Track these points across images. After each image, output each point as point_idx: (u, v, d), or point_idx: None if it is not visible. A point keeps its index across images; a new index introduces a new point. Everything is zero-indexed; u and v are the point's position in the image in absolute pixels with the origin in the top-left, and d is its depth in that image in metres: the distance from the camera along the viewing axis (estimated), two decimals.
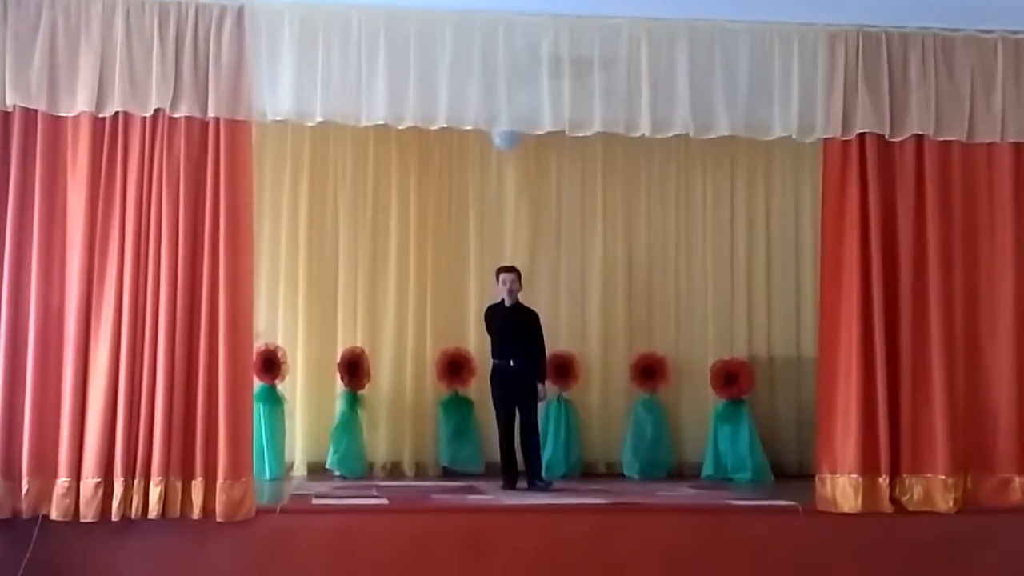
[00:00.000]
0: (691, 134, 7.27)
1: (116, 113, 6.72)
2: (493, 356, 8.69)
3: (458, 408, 9.65)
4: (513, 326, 8.61)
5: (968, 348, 7.31)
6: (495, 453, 8.86)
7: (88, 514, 6.45)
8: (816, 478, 7.22)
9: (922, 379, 7.15)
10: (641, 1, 7.06)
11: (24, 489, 6.46)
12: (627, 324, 10.12)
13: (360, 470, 9.28)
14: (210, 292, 6.68)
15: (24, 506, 6.46)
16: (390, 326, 9.80)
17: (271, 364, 9.14)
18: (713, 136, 7.35)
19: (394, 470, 9.56)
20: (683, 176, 10.32)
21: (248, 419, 6.93)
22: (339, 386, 9.48)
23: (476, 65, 7.03)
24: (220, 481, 6.58)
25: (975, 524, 7.08)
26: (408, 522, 7.04)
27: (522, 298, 8.76)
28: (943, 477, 7.08)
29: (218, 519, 6.57)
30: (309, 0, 6.94)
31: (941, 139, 7.32)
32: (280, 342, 9.42)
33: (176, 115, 6.74)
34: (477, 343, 9.53)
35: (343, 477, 9.10)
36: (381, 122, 7.09)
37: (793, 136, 7.29)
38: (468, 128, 7.34)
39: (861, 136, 7.21)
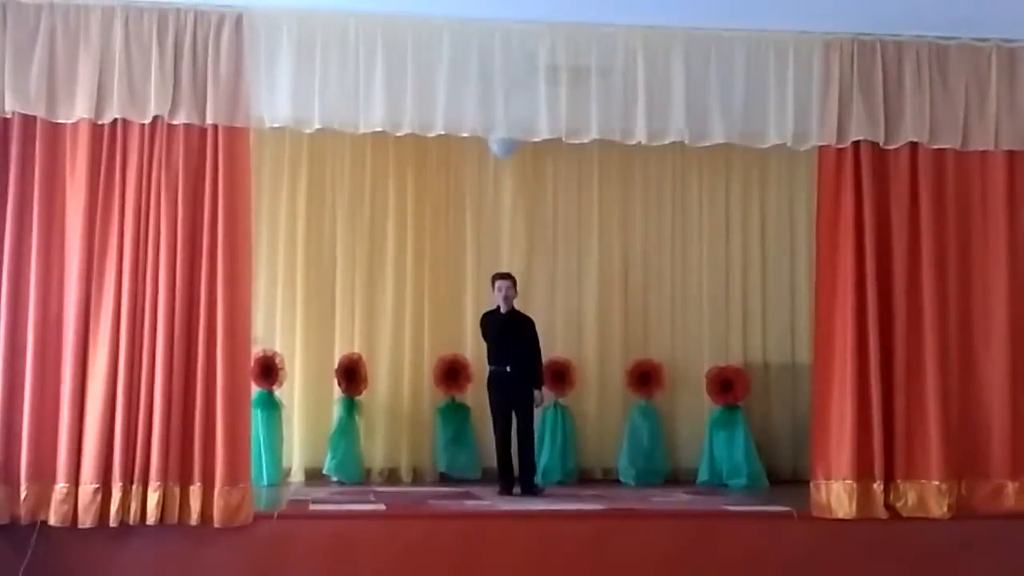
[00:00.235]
0: (687, 142, 7.29)
1: (115, 120, 6.74)
2: (490, 362, 8.70)
3: (455, 414, 9.66)
4: (509, 333, 8.64)
5: (962, 354, 7.34)
6: (492, 459, 8.86)
7: (86, 520, 6.46)
8: (811, 484, 7.23)
9: (916, 385, 7.17)
10: (637, 9, 7.06)
11: (22, 495, 6.47)
12: (623, 330, 10.14)
13: (357, 476, 9.28)
14: (208, 298, 6.70)
15: (22, 512, 6.47)
16: (388, 332, 9.81)
17: (269, 370, 9.16)
18: (709, 144, 7.39)
19: (391, 476, 9.57)
20: (679, 184, 10.34)
21: (246, 425, 6.94)
22: (337, 392, 9.50)
23: (473, 73, 7.05)
24: (218, 487, 6.59)
25: (969, 530, 7.10)
26: (405, 528, 7.06)
27: (518, 304, 8.79)
28: (937, 483, 7.10)
29: (216, 525, 6.58)
30: (307, 8, 6.96)
31: (935, 147, 7.35)
32: (278, 348, 9.43)
33: (175, 122, 6.77)
34: (474, 349, 9.55)
35: (340, 483, 9.11)
36: (379, 129, 7.11)
37: (788, 144, 7.32)
38: (465, 135, 7.37)
39: (856, 144, 7.24)
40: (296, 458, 9.50)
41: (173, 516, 6.57)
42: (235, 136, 6.83)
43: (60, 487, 6.48)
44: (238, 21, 6.86)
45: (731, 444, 9.52)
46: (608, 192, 10.25)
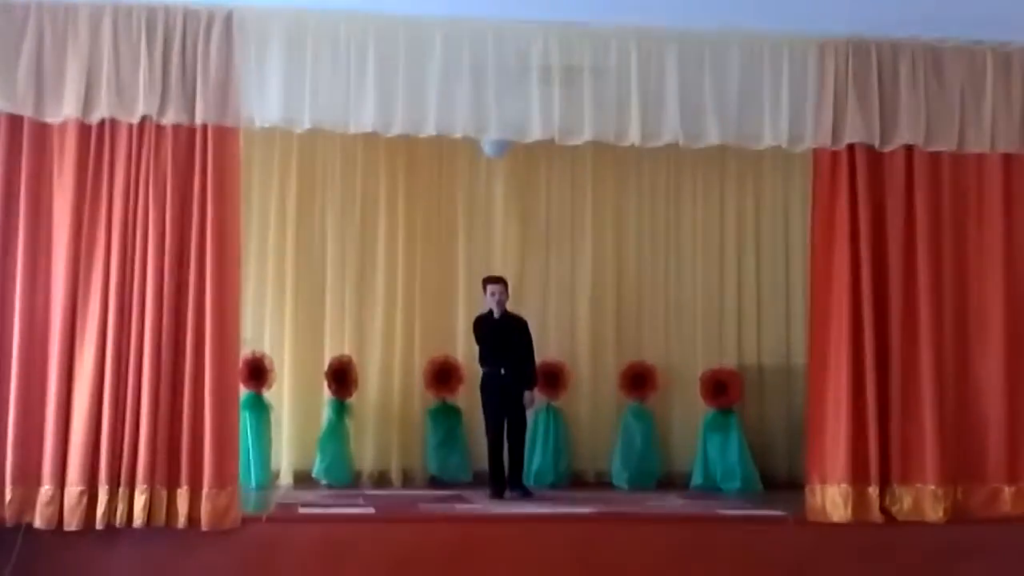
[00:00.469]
0: (681, 143, 7.27)
1: (103, 120, 6.72)
2: (483, 365, 8.66)
3: (446, 417, 9.61)
4: (504, 335, 8.61)
5: (958, 357, 7.33)
6: (483, 462, 8.83)
7: (72, 522, 6.42)
8: (806, 488, 7.23)
9: (912, 389, 7.16)
10: (631, 10, 7.04)
11: (7, 497, 6.43)
12: (616, 333, 10.09)
13: (347, 479, 9.23)
14: (197, 299, 6.67)
15: (7, 514, 6.43)
16: (378, 334, 9.75)
17: (258, 372, 9.10)
18: (703, 145, 7.37)
19: (381, 479, 9.50)
20: (673, 185, 10.29)
21: (234, 427, 6.91)
22: (326, 394, 9.43)
23: (465, 73, 7.02)
24: (206, 489, 6.56)
25: (965, 534, 7.09)
26: (395, 531, 7.02)
27: (510, 306, 8.76)
28: (933, 487, 7.09)
29: (203, 528, 6.55)
30: (298, 7, 6.93)
31: (931, 149, 7.35)
32: (267, 350, 9.36)
33: (163, 122, 6.74)
34: (465, 352, 9.50)
35: (330, 486, 9.05)
36: (369, 130, 7.08)
37: (783, 146, 7.31)
38: (457, 136, 7.33)
39: (851, 146, 7.23)
40: (285, 461, 9.43)
41: (160, 519, 6.53)
42: (224, 136, 6.79)
43: (45, 489, 6.45)
44: (228, 20, 6.82)
45: (725, 447, 9.48)
46: (601, 193, 10.20)
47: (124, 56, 6.74)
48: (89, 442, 6.47)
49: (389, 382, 9.73)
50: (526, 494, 8.38)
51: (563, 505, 7.88)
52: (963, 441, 7.25)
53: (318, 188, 9.83)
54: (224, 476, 6.61)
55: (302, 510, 7.44)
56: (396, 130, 7.05)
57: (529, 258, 10.10)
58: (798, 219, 9.68)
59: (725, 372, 9.78)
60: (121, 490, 6.48)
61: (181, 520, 6.54)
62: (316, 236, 9.80)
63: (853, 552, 7.00)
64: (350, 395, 9.43)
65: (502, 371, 8.52)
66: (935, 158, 7.35)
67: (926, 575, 7.03)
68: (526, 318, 8.87)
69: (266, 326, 9.61)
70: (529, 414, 8.85)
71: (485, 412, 8.65)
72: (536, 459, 9.40)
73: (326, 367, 9.45)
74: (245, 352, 8.47)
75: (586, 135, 7.15)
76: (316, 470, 9.23)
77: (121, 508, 6.47)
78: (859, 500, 7.03)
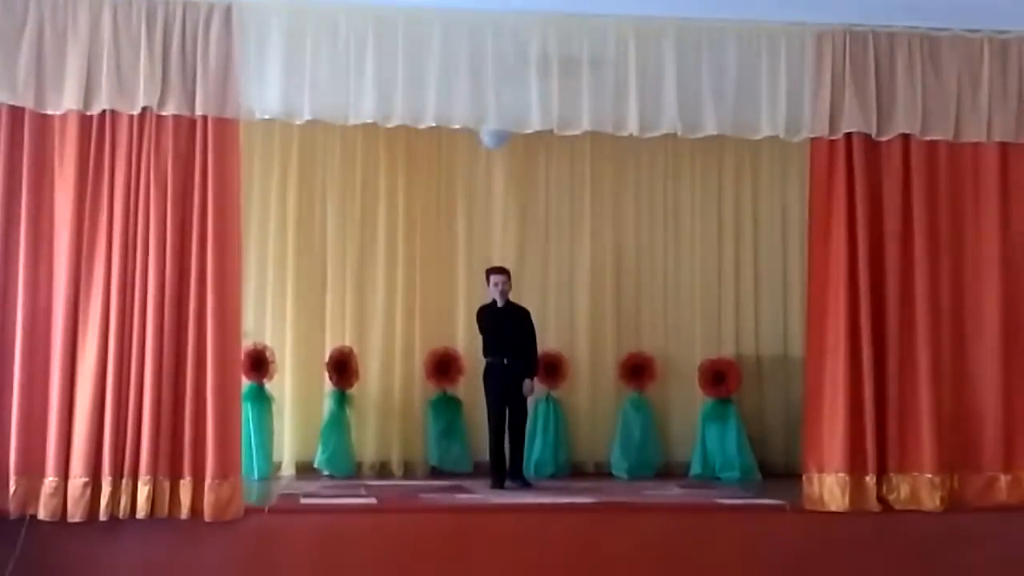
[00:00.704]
0: (679, 133, 7.28)
1: (103, 111, 6.72)
2: (486, 355, 8.69)
3: (447, 407, 9.63)
4: (506, 325, 8.64)
5: (954, 346, 7.34)
6: (484, 452, 8.85)
7: (76, 514, 6.44)
8: (803, 477, 7.24)
9: (909, 378, 7.17)
10: (629, 1, 7.06)
11: (12, 489, 6.44)
12: (615, 323, 10.11)
13: (348, 469, 9.25)
14: (198, 290, 6.68)
15: (12, 506, 6.45)
16: (379, 325, 9.76)
17: (259, 363, 9.11)
18: (701, 135, 7.37)
19: (382, 470, 9.52)
20: (671, 175, 10.30)
21: (236, 418, 6.92)
22: (327, 385, 9.45)
23: (464, 64, 7.03)
24: (208, 481, 6.58)
25: (962, 523, 7.11)
26: (396, 522, 7.05)
27: (511, 297, 8.77)
28: (930, 476, 7.10)
29: (206, 519, 6.57)
30: None
31: (927, 138, 7.35)
32: (268, 341, 9.38)
33: (164, 113, 6.74)
34: (466, 342, 9.53)
35: (331, 476, 9.08)
36: (369, 121, 7.09)
37: (780, 135, 7.32)
38: (456, 127, 7.34)
39: (848, 135, 7.23)
40: (287, 452, 9.45)
41: (163, 510, 6.55)
42: (225, 127, 6.80)
43: (49, 481, 6.46)
44: (227, 12, 6.83)
45: (723, 437, 9.51)
46: (600, 184, 10.20)
47: (124, 48, 6.75)
48: (92, 433, 6.48)
49: (390, 373, 9.74)
50: (526, 485, 8.41)
51: (563, 495, 7.91)
52: (959, 430, 7.27)
53: (318, 179, 9.84)
54: (226, 467, 6.63)
55: (304, 501, 7.48)
56: (395, 121, 7.06)
57: (528, 248, 10.10)
58: (795, 209, 9.67)
59: (723, 362, 9.80)
60: (124, 481, 6.50)
61: (184, 511, 6.56)
62: (316, 227, 9.81)
63: (851, 541, 7.01)
64: (351, 386, 9.45)
65: (505, 361, 8.54)
66: (932, 147, 7.36)
67: (923, 563, 7.04)
68: (526, 308, 8.89)
69: (267, 317, 9.61)
70: (529, 403, 8.87)
71: (487, 402, 8.67)
72: (536, 450, 9.42)
73: (327, 358, 9.47)
74: (247, 344, 8.49)
75: (584, 126, 7.16)
76: (318, 461, 9.26)
77: (124, 499, 6.49)
78: (856, 489, 7.05)
